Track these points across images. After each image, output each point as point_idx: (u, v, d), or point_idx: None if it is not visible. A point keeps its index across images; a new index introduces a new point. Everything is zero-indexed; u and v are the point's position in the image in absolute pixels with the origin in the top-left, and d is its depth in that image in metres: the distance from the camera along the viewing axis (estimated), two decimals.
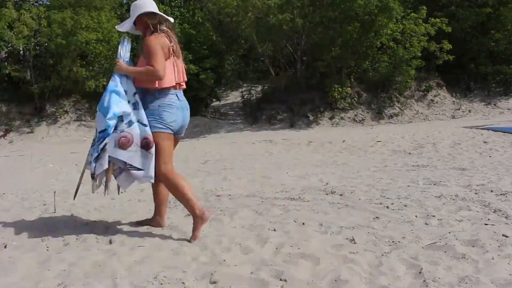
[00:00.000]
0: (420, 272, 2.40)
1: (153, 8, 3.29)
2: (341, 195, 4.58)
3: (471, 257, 2.58)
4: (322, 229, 3.28)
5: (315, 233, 3.17)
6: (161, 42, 3.15)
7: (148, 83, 3.18)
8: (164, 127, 3.18)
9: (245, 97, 17.72)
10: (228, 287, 2.38)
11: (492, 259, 2.55)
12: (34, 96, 16.20)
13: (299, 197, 4.52)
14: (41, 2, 17.77)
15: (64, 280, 2.50)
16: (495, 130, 10.43)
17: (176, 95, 3.26)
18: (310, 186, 5.21)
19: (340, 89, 15.27)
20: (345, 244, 2.93)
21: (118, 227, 3.55)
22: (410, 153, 8.19)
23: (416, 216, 3.58)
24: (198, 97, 16.56)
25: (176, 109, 3.23)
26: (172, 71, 3.22)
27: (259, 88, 18.07)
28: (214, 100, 18.03)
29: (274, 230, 3.32)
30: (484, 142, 8.67)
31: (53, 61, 16.77)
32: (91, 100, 17.20)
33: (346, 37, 15.04)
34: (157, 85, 3.16)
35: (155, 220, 3.56)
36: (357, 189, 4.82)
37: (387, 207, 3.92)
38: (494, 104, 17.03)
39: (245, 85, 19.42)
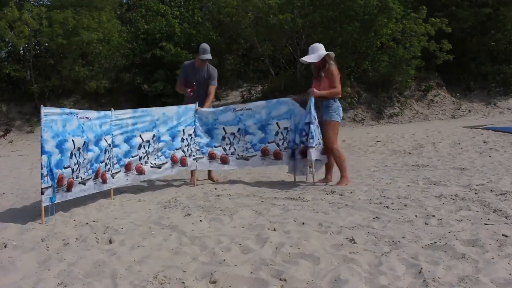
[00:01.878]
0: (420, 272, 2.40)
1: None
2: (341, 195, 4.58)
3: (471, 257, 2.58)
4: (322, 229, 3.28)
5: (315, 233, 3.17)
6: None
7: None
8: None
9: (245, 97, 17.71)
10: (228, 287, 2.38)
11: (492, 259, 2.55)
12: (34, 96, 16.20)
13: (299, 197, 4.52)
14: (41, 2, 17.76)
15: (64, 280, 2.50)
16: (495, 130, 10.43)
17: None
18: (310, 186, 5.22)
19: None
20: (345, 244, 2.93)
21: (118, 227, 3.55)
22: (410, 153, 8.19)
23: (416, 216, 3.58)
24: None
25: None
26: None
27: (259, 88, 18.06)
28: (214, 99, 18.04)
29: (274, 230, 3.33)
30: (484, 142, 8.67)
31: (54, 61, 16.77)
32: (91, 100, 17.20)
33: (346, 37, 15.02)
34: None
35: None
36: (357, 189, 4.83)
37: (387, 207, 3.92)
38: (494, 104, 17.02)
39: (245, 85, 19.39)
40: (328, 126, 5.25)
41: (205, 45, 5.85)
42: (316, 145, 5.07)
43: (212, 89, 5.94)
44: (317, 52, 5.33)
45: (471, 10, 16.76)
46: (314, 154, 5.03)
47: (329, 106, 5.27)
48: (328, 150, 5.24)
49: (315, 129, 5.09)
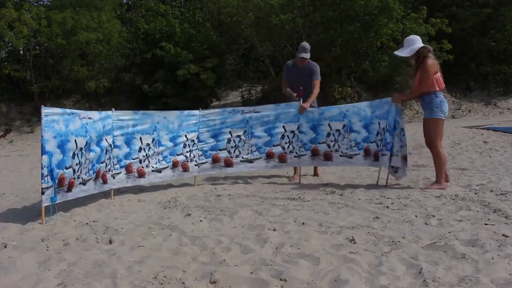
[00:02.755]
0: (420, 272, 2.40)
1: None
2: (341, 195, 4.59)
3: (471, 257, 2.58)
4: (322, 229, 3.28)
5: (315, 233, 3.17)
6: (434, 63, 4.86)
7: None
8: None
9: (245, 97, 17.72)
10: (228, 287, 2.37)
11: (492, 259, 2.54)
12: (34, 96, 16.21)
13: (299, 197, 4.52)
14: (41, 2, 17.76)
15: (64, 280, 2.50)
16: (495, 130, 10.43)
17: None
18: (310, 186, 5.22)
19: (340, 89, 15.26)
20: (345, 244, 2.92)
21: (118, 227, 3.55)
22: (410, 153, 8.19)
23: (416, 216, 3.58)
24: (199, 96, 16.56)
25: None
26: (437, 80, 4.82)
27: (259, 88, 18.06)
28: (214, 100, 18.03)
29: (274, 230, 3.32)
30: (484, 142, 8.67)
31: (53, 61, 16.78)
32: (91, 100, 17.20)
33: (346, 37, 15.02)
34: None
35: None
36: (357, 189, 4.83)
37: (387, 207, 3.92)
38: (494, 104, 17.02)
39: (245, 85, 19.39)
40: (430, 124, 4.90)
41: (304, 44, 5.79)
42: (396, 151, 4.82)
43: (316, 83, 5.82)
44: (411, 45, 4.98)
45: (471, 10, 16.77)
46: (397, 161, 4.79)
47: (430, 101, 4.86)
48: (430, 149, 4.93)
49: (397, 135, 4.83)
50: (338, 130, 5.30)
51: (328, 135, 5.33)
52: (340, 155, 5.31)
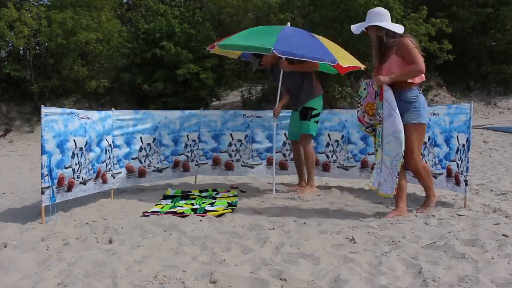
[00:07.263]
0: (420, 272, 2.40)
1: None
2: (341, 195, 4.59)
3: (471, 256, 2.58)
4: (322, 229, 3.28)
5: (315, 233, 3.17)
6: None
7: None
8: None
9: (245, 96, 17.72)
10: (228, 286, 2.37)
11: (492, 258, 2.55)
12: (34, 96, 16.20)
13: (299, 197, 4.52)
14: (41, 2, 17.75)
15: (64, 279, 2.50)
16: (495, 130, 10.44)
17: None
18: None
19: (340, 88, 15.26)
20: (345, 243, 2.92)
21: (118, 227, 3.55)
22: None
23: (416, 216, 3.58)
24: (198, 96, 16.56)
25: None
26: None
27: (259, 87, 18.06)
28: (214, 99, 18.03)
29: (274, 229, 3.33)
30: (484, 142, 8.67)
31: (53, 61, 16.78)
32: (91, 100, 17.20)
33: (346, 37, 15.02)
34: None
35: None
36: (357, 189, 4.83)
37: (387, 207, 3.92)
38: (494, 104, 17.02)
39: (245, 84, 19.38)
40: (412, 132, 3.51)
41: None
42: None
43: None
44: (372, 19, 3.55)
45: (471, 10, 16.77)
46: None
47: (412, 100, 3.66)
48: (407, 165, 3.60)
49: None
50: (337, 141, 5.24)
51: (327, 145, 5.28)
52: (337, 167, 5.26)
